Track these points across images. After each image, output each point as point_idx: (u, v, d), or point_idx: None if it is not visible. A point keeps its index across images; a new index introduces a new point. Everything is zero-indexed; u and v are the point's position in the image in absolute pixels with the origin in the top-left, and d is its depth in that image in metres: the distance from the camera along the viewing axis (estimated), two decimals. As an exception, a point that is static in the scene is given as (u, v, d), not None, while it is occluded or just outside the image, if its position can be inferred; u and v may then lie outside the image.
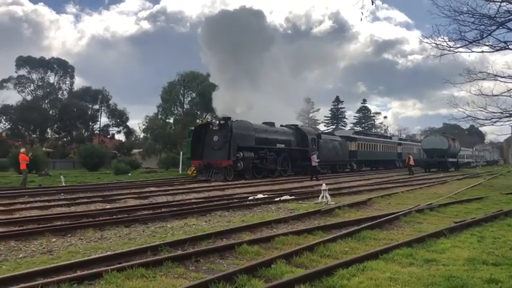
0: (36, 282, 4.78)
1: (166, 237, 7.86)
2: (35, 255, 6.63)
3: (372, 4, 8.32)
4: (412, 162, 37.15)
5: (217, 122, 25.94)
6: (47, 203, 12.97)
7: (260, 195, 15.35)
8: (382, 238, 8.00)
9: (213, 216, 10.73)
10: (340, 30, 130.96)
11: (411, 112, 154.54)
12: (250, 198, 14.69)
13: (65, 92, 62.50)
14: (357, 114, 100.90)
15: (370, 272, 5.50)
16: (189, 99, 57.06)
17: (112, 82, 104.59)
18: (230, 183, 22.33)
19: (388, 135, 74.45)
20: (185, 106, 55.86)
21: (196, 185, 20.34)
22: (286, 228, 8.90)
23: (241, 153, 25.01)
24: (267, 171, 28.32)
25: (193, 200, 14.05)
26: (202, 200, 14.37)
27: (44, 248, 7.12)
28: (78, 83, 75.84)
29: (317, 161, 27.68)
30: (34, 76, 59.93)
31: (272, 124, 30.87)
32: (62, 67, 61.57)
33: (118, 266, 5.51)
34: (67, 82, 62.73)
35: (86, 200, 13.85)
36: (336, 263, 5.82)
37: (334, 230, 8.57)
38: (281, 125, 32.35)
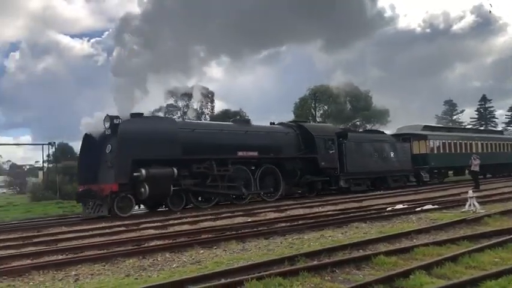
0: (187, 289, 5.32)
1: (303, 248, 8.06)
2: (186, 265, 7.34)
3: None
4: None
5: (109, 122, 16.36)
6: (196, 218, 14.16)
7: (400, 206, 14.76)
8: (540, 248, 7.16)
9: (350, 227, 10.64)
10: (485, 24, 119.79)
11: None
12: (388, 209, 14.22)
13: (207, 116, 67.66)
14: (509, 113, 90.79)
15: (523, 285, 5.00)
16: (321, 112, 57.48)
17: (248, 103, 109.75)
18: (366, 195, 21.52)
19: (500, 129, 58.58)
20: (317, 119, 56.31)
21: (330, 198, 20.23)
22: (427, 239, 8.45)
23: (143, 171, 15.72)
24: (222, 196, 18.71)
25: (329, 212, 14.09)
26: (339, 212, 14.32)
27: (193, 258, 7.82)
28: (219, 106, 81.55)
29: (476, 164, 21.81)
30: (180, 104, 66.23)
31: (245, 122, 22.06)
32: (203, 93, 67.00)
33: (257, 275, 5.84)
34: (208, 107, 68.08)
35: (229, 215, 14.77)
36: (482, 274, 5.41)
37: (482, 240, 7.91)
38: (271, 123, 22.27)
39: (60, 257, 8.46)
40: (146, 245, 9.35)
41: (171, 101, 65.42)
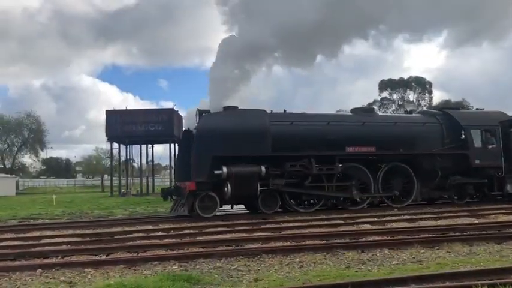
0: (409, 287, 5.17)
1: (547, 258, 6.97)
2: (406, 263, 7.13)
3: None
4: None
5: (198, 117, 15.22)
6: (414, 216, 13.60)
7: None
8: None
9: None
10: None
11: None
12: None
13: (424, 108, 64.15)
14: None
15: None
16: None
17: (474, 92, 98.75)
18: None
19: None
20: None
21: None
22: None
23: (225, 169, 14.33)
24: (327, 199, 16.06)
25: None
26: None
27: (413, 257, 7.55)
28: (439, 96, 76.08)
29: None
30: (395, 96, 64.38)
31: (367, 111, 18.21)
32: (420, 84, 63.71)
33: (489, 281, 5.31)
34: (426, 98, 64.44)
35: (451, 214, 13.76)
36: None
37: None
38: (406, 111, 16.62)
39: (285, 244, 9.20)
40: (364, 239, 9.43)
41: (385, 94, 64.31)
